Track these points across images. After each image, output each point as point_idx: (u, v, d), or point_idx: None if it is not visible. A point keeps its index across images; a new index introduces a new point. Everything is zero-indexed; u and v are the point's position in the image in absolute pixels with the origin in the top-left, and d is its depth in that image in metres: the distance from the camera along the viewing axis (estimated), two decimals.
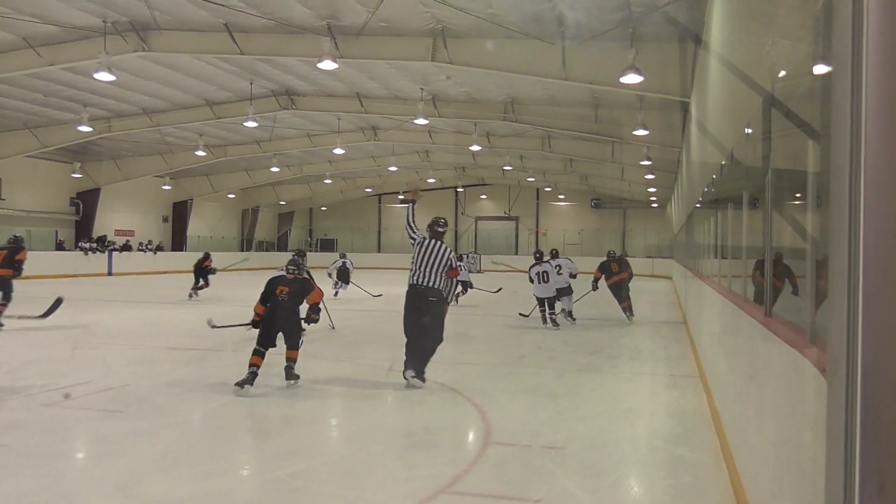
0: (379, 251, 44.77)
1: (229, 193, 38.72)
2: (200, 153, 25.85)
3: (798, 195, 2.97)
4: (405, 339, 7.08)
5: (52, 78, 17.30)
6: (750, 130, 4.15)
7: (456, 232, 44.78)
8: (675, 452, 4.90)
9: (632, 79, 11.56)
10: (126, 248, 30.47)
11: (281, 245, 45.32)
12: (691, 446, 5.02)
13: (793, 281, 3.23)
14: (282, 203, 43.28)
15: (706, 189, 8.00)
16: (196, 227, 37.01)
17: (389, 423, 5.58)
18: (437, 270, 7.00)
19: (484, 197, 43.98)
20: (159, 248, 33.00)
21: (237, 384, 6.40)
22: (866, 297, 1.13)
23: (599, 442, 5.14)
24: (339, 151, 25.46)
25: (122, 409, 5.87)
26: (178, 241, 35.96)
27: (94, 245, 28.36)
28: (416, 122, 18.83)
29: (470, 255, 36.73)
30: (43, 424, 5.32)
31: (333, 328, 11.34)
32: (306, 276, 7.59)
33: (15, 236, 11.42)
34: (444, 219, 7.42)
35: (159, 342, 9.85)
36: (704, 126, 8.53)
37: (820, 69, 2.24)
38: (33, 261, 22.79)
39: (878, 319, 1.12)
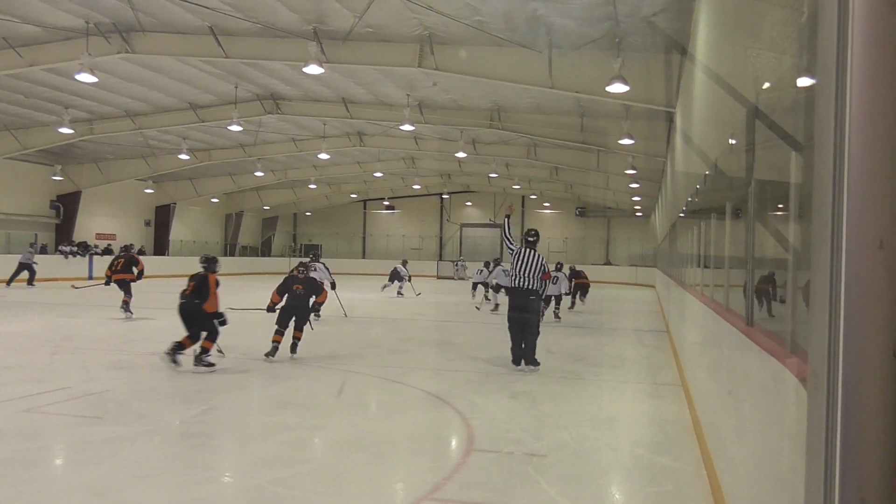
0: (363, 257, 44.65)
1: (213, 198, 38.45)
2: (184, 157, 25.68)
3: (780, 206, 3.00)
4: (510, 337, 8.62)
5: (33, 79, 17.11)
6: (734, 141, 4.19)
7: (441, 239, 44.78)
8: (657, 461, 4.92)
9: (618, 88, 11.63)
10: (107, 251, 30.16)
11: (265, 250, 45.07)
12: (673, 455, 5.04)
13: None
14: (266, 208, 43.04)
15: (690, 199, 8.07)
16: (179, 231, 36.71)
17: (372, 431, 5.55)
18: (533, 275, 8.47)
19: (469, 204, 44.01)
20: (141, 253, 32.65)
21: (266, 354, 8.50)
22: (848, 310, 1.13)
23: (582, 449, 5.15)
24: (324, 157, 25.40)
25: (101, 415, 5.80)
26: (161, 246, 35.66)
27: (75, 249, 28.05)
28: (402, 128, 18.82)
29: (459, 262, 36.95)
30: (21, 430, 5.25)
31: (346, 315, 14.23)
32: (318, 273, 9.99)
33: (128, 246, 15.55)
34: (534, 230, 8.92)
35: (140, 347, 9.75)
36: (689, 136, 8.60)
37: (804, 81, 2.27)
38: (12, 265, 22.68)
39: (860, 333, 1.12)
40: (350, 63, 13.92)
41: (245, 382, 7.42)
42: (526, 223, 43.12)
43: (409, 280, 21.63)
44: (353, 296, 19.94)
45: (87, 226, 31.06)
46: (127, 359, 8.71)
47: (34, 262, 22.48)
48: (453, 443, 5.39)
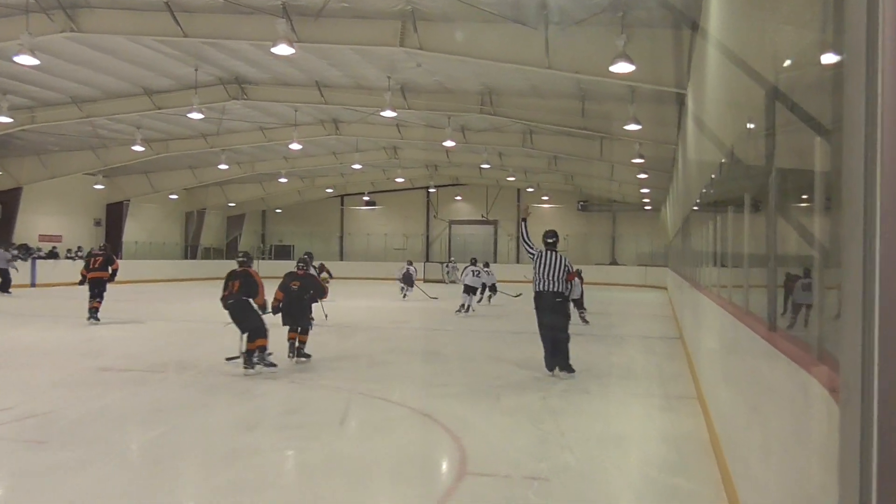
0: (341, 259, 44.48)
1: (171, 194, 38.28)
2: (138, 148, 25.50)
3: (805, 197, 3.01)
4: (541, 343, 9.06)
5: None
6: (752, 125, 4.20)
7: (427, 237, 44.78)
8: (671, 482, 4.94)
9: (622, 68, 11.65)
10: (52, 255, 29.94)
11: (230, 252, 44.85)
12: (688, 475, 5.05)
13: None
14: (231, 205, 42.89)
15: (704, 190, 8.10)
16: (133, 231, 36.53)
17: (352, 453, 5.54)
18: (557, 277, 8.93)
19: (459, 198, 44.03)
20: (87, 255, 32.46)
21: (288, 356, 9.44)
22: (883, 313, 1.13)
23: (587, 471, 5.16)
24: (295, 147, 25.30)
25: (46, 439, 5.75)
26: (113, 248, 35.44)
27: (15, 252, 27.80)
28: (382, 114, 18.80)
29: (449, 263, 36.84)
30: None
31: (326, 317, 14.91)
32: (312, 272, 10.63)
33: (105, 245, 16.74)
34: (553, 230, 9.37)
35: (91, 362, 9.68)
36: (702, 121, 8.64)
37: (829, 58, 2.27)
38: None
39: None
40: (324, 42, 13.89)
41: (210, 400, 7.38)
42: None
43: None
44: (330, 302, 19.90)
45: (29, 226, 30.84)
46: (76, 375, 8.64)
47: (12, 268, 23.56)
48: (443, 465, 5.38)
